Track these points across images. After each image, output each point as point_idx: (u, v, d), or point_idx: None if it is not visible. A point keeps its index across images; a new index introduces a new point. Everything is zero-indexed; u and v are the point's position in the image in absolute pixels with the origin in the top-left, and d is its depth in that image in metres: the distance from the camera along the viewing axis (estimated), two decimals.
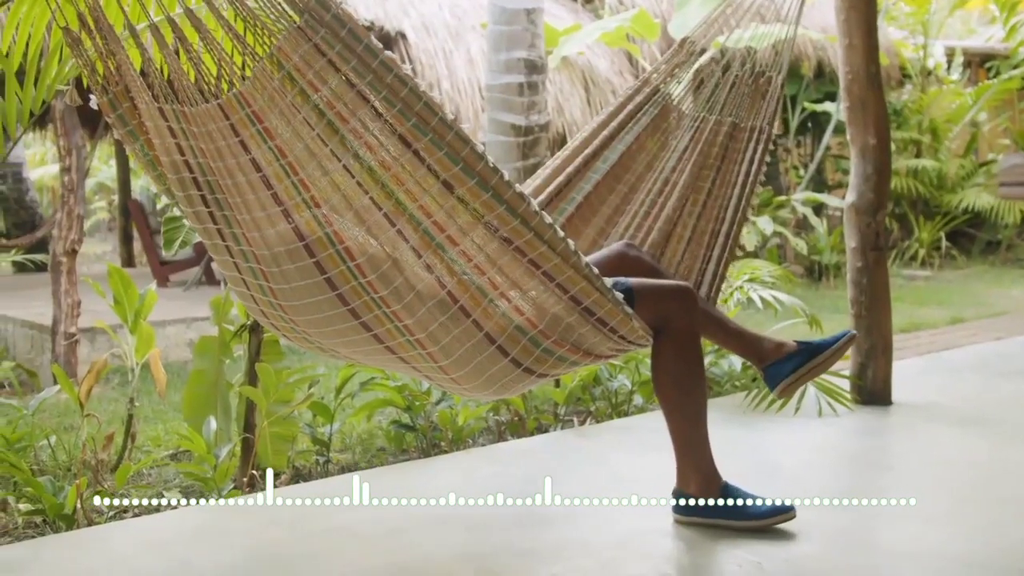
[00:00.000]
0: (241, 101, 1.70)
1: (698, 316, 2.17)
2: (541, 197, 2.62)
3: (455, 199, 1.72)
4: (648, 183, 2.70)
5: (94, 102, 1.88)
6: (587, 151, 2.66)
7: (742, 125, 2.70)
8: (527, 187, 2.66)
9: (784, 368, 2.28)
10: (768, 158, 2.70)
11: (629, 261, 2.41)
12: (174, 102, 1.77)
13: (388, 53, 1.65)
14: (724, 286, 4.02)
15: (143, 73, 1.80)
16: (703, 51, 2.76)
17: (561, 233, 1.81)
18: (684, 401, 2.18)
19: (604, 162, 2.67)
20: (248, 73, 1.70)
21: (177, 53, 1.77)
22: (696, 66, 2.78)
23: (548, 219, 1.79)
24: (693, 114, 2.72)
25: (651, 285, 2.14)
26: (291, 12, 1.64)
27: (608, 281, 1.94)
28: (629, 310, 1.95)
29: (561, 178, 2.64)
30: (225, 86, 1.74)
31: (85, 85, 1.94)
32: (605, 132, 2.68)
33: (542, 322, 1.89)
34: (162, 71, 1.80)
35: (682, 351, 2.14)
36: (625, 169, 2.69)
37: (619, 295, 1.94)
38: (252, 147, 1.74)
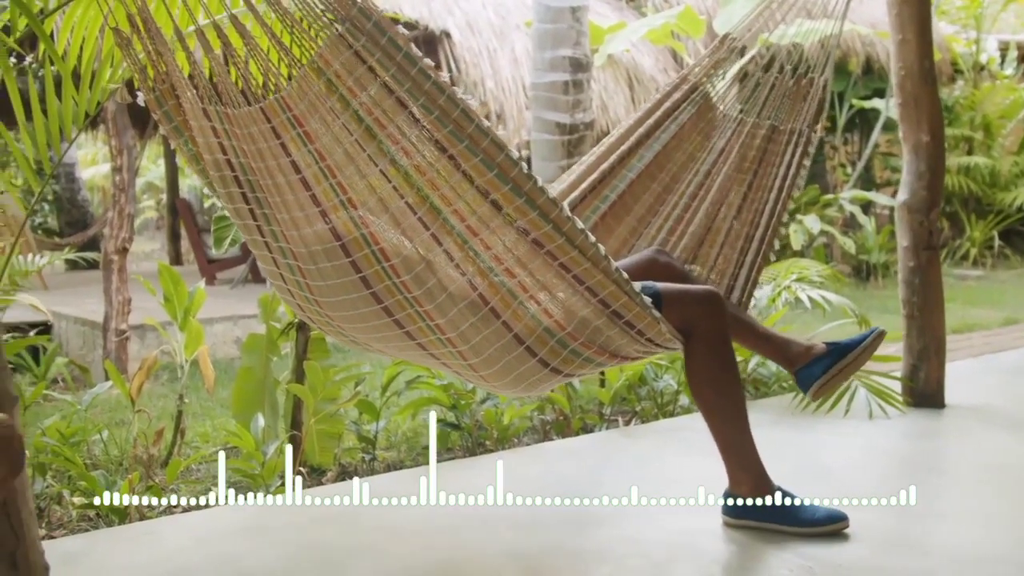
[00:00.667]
0: (283, 105, 1.74)
1: (726, 320, 2.16)
2: (575, 194, 2.60)
3: (489, 203, 1.76)
4: (683, 183, 2.66)
5: (141, 99, 1.96)
6: (623, 148, 2.63)
7: (781, 128, 2.65)
8: (562, 182, 2.65)
9: (815, 370, 2.28)
10: (807, 162, 2.65)
11: (659, 267, 2.42)
12: (218, 104, 1.81)
13: (427, 61, 1.68)
14: (772, 286, 3.98)
15: (189, 76, 1.86)
16: (744, 48, 2.71)
17: (592, 238, 1.83)
18: (721, 402, 2.17)
19: (640, 160, 2.64)
20: (292, 77, 1.74)
21: (225, 59, 1.81)
22: (737, 65, 2.74)
23: (580, 224, 1.81)
24: (731, 114, 2.68)
25: (679, 289, 2.14)
26: (333, 20, 1.67)
27: (637, 285, 1.95)
28: (657, 314, 1.97)
29: (596, 175, 2.61)
30: (269, 91, 1.78)
31: (135, 85, 2.00)
32: (641, 129, 2.64)
33: (570, 324, 1.91)
34: (207, 74, 1.84)
35: (714, 353, 2.13)
36: (660, 168, 2.66)
37: (647, 299, 1.96)
38: (292, 150, 1.77)
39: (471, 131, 1.70)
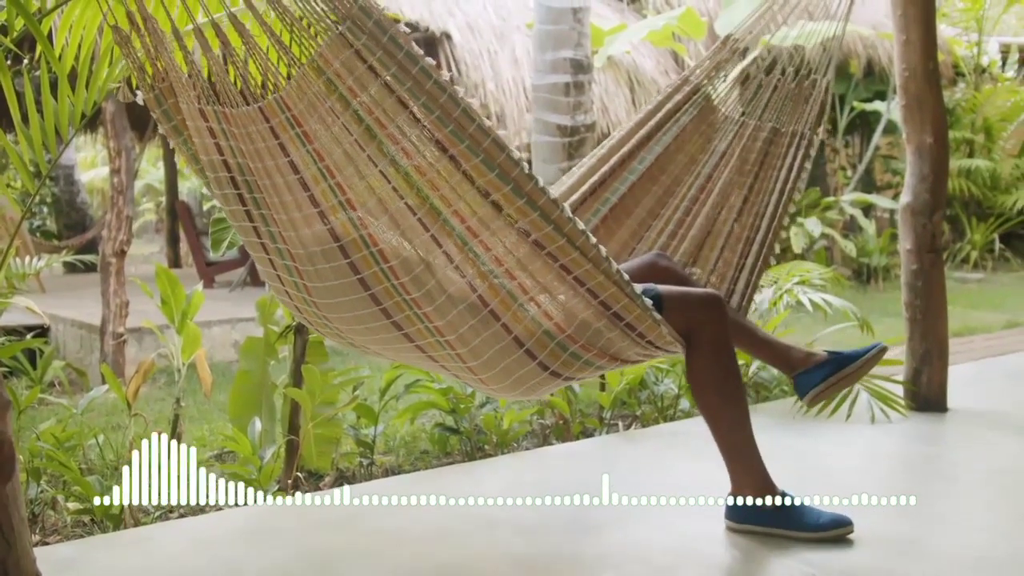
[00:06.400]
0: (281, 105, 1.72)
1: (728, 324, 2.15)
2: (575, 196, 2.58)
3: (489, 204, 1.75)
4: (684, 187, 2.65)
5: (140, 97, 1.94)
6: (623, 151, 2.61)
7: (783, 130, 2.64)
8: (562, 184, 2.63)
9: (814, 377, 2.30)
10: (808, 165, 2.63)
11: (660, 271, 2.41)
12: (215, 103, 1.80)
13: (428, 59, 1.67)
14: (774, 289, 3.96)
15: (187, 75, 1.84)
16: (746, 50, 2.69)
17: (593, 239, 1.82)
18: (726, 407, 2.15)
19: (640, 163, 2.63)
20: (291, 77, 1.73)
21: (224, 59, 1.79)
22: (738, 67, 2.72)
23: (581, 225, 1.80)
24: (733, 116, 2.66)
25: (680, 293, 2.13)
26: (334, 19, 1.66)
27: (638, 288, 1.94)
28: (658, 316, 1.96)
29: (596, 178, 2.60)
30: (268, 90, 1.76)
31: (134, 84, 1.98)
32: (642, 132, 2.62)
33: (571, 327, 1.90)
34: (205, 73, 1.83)
35: (716, 357, 2.12)
36: (661, 171, 2.64)
37: (648, 301, 1.95)
38: (291, 150, 1.76)
39: (472, 131, 1.69)
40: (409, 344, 1.96)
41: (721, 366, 2.12)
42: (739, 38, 2.66)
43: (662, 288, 2.10)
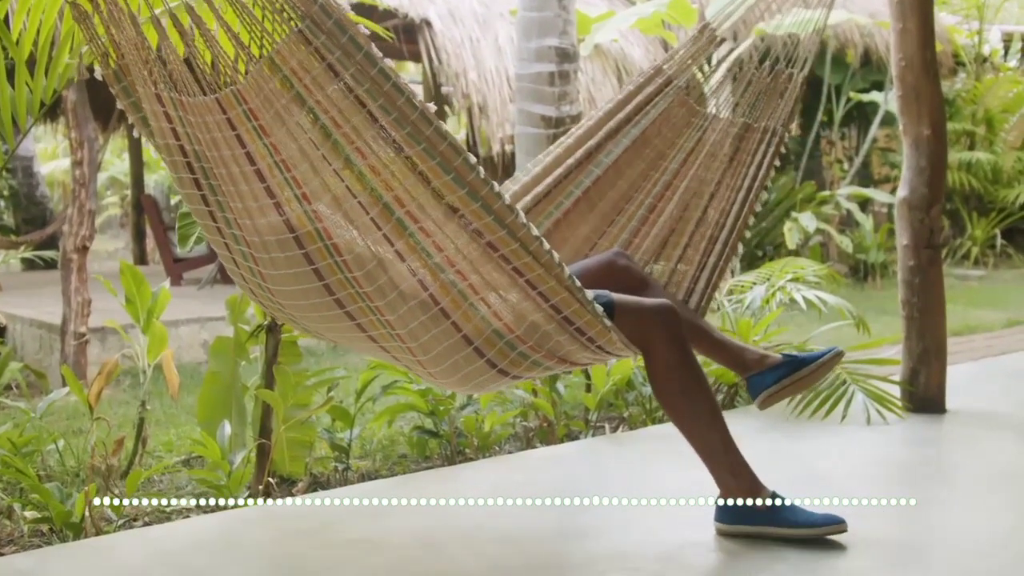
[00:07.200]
0: (238, 98, 1.80)
1: (683, 329, 2.19)
2: (539, 188, 2.61)
3: (444, 206, 1.83)
4: (651, 182, 2.67)
5: (99, 72, 2.00)
6: (591, 143, 2.62)
7: (755, 126, 2.65)
8: (527, 173, 2.65)
9: (767, 379, 2.37)
10: (777, 162, 2.65)
11: (618, 269, 2.46)
12: (172, 90, 1.87)
13: (387, 61, 1.74)
14: (766, 286, 3.98)
15: (144, 60, 1.90)
16: (723, 41, 2.70)
17: (546, 245, 1.89)
18: (694, 409, 2.18)
19: (607, 156, 2.64)
20: (248, 72, 1.80)
21: (187, 44, 1.84)
22: (714, 58, 2.73)
23: (535, 231, 1.88)
24: (704, 110, 2.67)
25: (632, 303, 2.17)
26: (292, 16, 1.73)
27: (590, 293, 2.00)
28: (609, 322, 2.03)
29: (561, 169, 2.61)
30: (223, 82, 1.83)
31: (94, 63, 2.04)
32: (611, 124, 2.64)
33: (520, 328, 1.98)
34: (161, 59, 1.88)
35: (676, 363, 2.16)
36: (628, 164, 2.66)
37: (599, 307, 2.01)
38: (248, 141, 1.84)
39: (429, 134, 1.76)
40: (362, 334, 2.05)
41: (682, 371, 2.16)
42: (717, 27, 2.67)
43: (616, 296, 2.15)
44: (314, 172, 1.82)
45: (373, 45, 1.74)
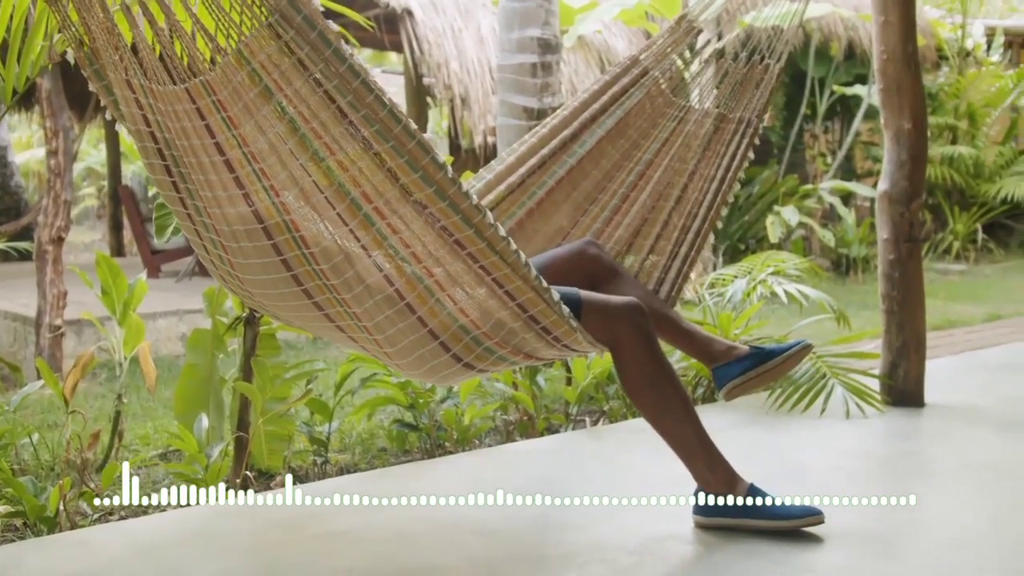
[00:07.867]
0: (207, 88, 1.82)
1: (651, 326, 2.21)
2: (513, 178, 2.61)
3: (411, 204, 1.85)
4: (624, 172, 2.68)
5: (71, 55, 2.03)
6: (565, 133, 2.64)
7: (729, 116, 2.67)
8: (501, 162, 2.66)
9: (732, 370, 2.38)
10: (751, 153, 2.66)
11: (587, 259, 2.48)
12: (142, 78, 1.89)
13: (357, 58, 1.77)
14: (747, 279, 4.01)
15: (115, 46, 1.91)
16: (700, 31, 2.71)
17: (513, 245, 1.92)
18: (666, 402, 2.20)
19: (581, 146, 2.65)
20: (216, 63, 1.81)
21: (156, 32, 1.86)
22: (690, 47, 2.74)
23: (502, 232, 1.90)
24: (679, 101, 2.68)
25: (599, 302, 2.18)
26: (262, 11, 1.74)
27: (556, 292, 2.02)
28: (575, 323, 2.06)
29: (535, 159, 2.62)
30: (193, 72, 1.84)
31: (66, 47, 2.03)
32: (586, 114, 2.65)
33: (486, 324, 2.00)
34: (132, 47, 1.90)
35: (644, 359, 2.18)
36: (602, 154, 2.67)
37: (566, 308, 2.04)
38: (217, 132, 1.87)
39: (397, 132, 1.78)
40: (329, 323, 2.09)
41: (651, 366, 2.18)
42: (693, 18, 2.68)
43: (584, 294, 2.17)
44: (282, 165, 1.85)
45: (343, 42, 1.76)
